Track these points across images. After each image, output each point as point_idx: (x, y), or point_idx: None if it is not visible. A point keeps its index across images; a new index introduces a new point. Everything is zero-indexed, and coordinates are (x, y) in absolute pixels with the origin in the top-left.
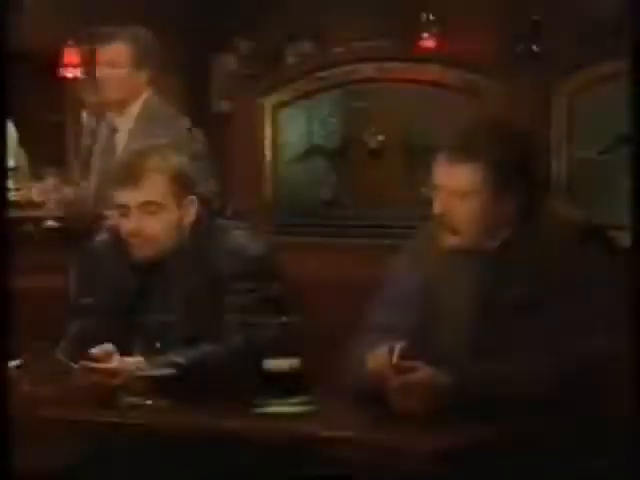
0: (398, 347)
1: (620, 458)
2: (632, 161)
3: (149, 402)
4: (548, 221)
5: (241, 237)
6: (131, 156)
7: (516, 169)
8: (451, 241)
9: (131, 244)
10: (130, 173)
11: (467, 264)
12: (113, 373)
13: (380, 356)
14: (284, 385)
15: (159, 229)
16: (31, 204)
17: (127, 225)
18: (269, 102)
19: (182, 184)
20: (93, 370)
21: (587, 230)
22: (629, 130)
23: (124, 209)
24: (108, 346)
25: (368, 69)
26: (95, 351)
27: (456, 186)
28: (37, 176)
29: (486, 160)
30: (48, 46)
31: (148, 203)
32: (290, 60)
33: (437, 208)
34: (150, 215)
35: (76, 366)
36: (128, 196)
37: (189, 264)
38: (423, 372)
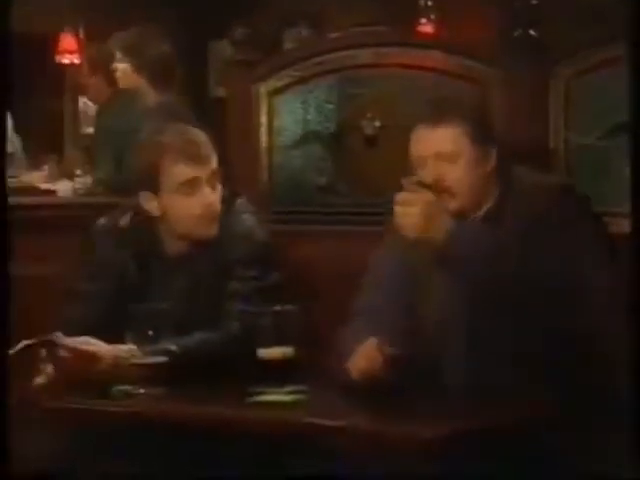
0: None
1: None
2: (631, 147)
3: (142, 391)
4: (524, 187)
5: (250, 221)
6: (187, 133)
7: (488, 130)
8: (450, 206)
9: (198, 224)
10: (194, 147)
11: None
12: (92, 357)
13: (371, 347)
14: (278, 374)
15: (218, 204)
16: (26, 190)
17: (197, 201)
18: (264, 88)
19: (219, 159)
20: (72, 353)
21: (559, 190)
22: (628, 116)
23: (192, 185)
24: (87, 338)
25: (365, 55)
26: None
27: (444, 149)
28: (34, 163)
29: (465, 119)
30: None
31: (213, 173)
32: (287, 46)
33: (430, 176)
34: (215, 187)
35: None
36: (197, 169)
37: (201, 248)
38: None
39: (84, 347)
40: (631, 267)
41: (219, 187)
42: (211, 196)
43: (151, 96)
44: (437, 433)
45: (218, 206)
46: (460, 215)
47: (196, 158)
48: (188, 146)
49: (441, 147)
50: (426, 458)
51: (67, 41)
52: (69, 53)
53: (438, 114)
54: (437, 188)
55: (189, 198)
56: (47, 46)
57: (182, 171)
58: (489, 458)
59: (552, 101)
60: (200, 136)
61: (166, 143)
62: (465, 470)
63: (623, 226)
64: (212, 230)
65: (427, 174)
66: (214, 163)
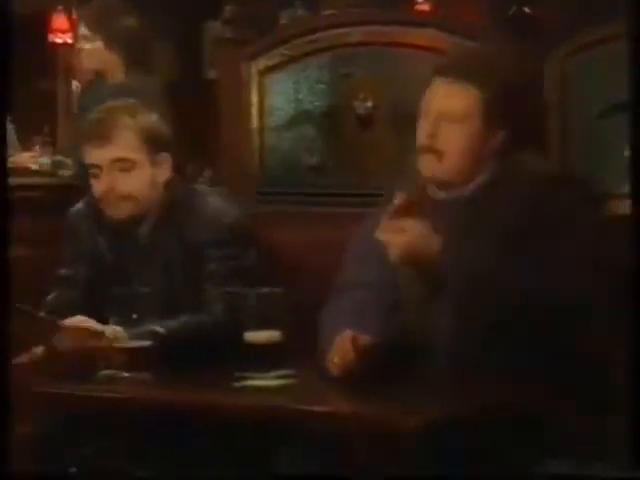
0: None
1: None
2: (630, 127)
3: (126, 375)
4: (520, 170)
5: (217, 203)
6: (100, 114)
7: (507, 103)
8: (435, 170)
9: (105, 205)
10: (99, 130)
11: (440, 213)
12: (94, 334)
13: (346, 342)
14: (264, 358)
15: (132, 187)
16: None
17: (99, 185)
18: (255, 67)
19: (154, 140)
20: (76, 331)
21: (559, 176)
22: (628, 95)
23: (96, 169)
24: (80, 317)
25: (359, 33)
26: (68, 322)
27: (452, 108)
28: (26, 144)
29: (484, 84)
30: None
31: (119, 160)
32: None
33: (426, 131)
34: (122, 172)
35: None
36: (99, 154)
37: (165, 230)
38: (409, 233)
39: (86, 324)
40: (631, 249)
41: (139, 171)
42: (112, 181)
43: (120, 76)
44: (423, 420)
45: (127, 190)
46: (445, 184)
47: (101, 139)
48: (96, 126)
49: (451, 106)
50: (412, 445)
51: (59, 20)
52: (62, 32)
53: (464, 70)
54: (429, 148)
55: (94, 180)
56: (40, 25)
57: (87, 153)
58: (487, 452)
59: (547, 80)
60: (115, 119)
61: (87, 122)
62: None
63: (620, 207)
64: (121, 211)
65: (425, 129)
66: (125, 145)
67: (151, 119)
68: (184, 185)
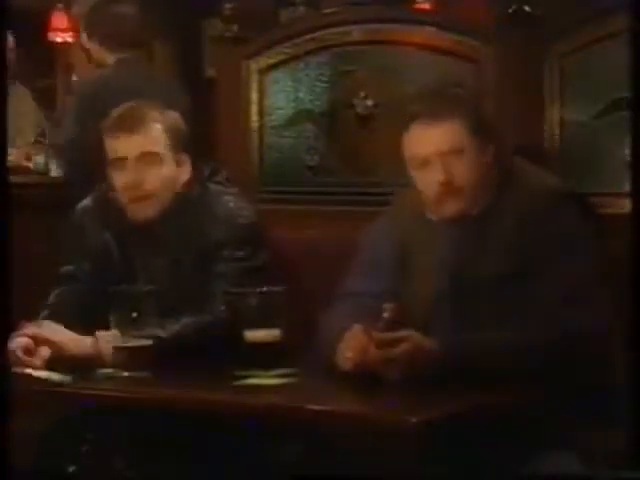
0: (382, 320)
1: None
2: (632, 125)
3: (125, 374)
4: (522, 188)
5: (230, 203)
6: (128, 109)
7: (487, 125)
8: (455, 206)
9: (127, 202)
10: (128, 123)
11: (446, 232)
12: (55, 346)
13: (358, 335)
14: (265, 356)
15: (156, 184)
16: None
17: (124, 177)
18: (255, 65)
19: (178, 138)
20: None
21: (561, 196)
22: (629, 92)
23: (121, 161)
24: (49, 323)
25: (359, 31)
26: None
27: (447, 147)
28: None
29: (465, 113)
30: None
31: (148, 153)
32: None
33: (440, 176)
34: (149, 167)
35: None
36: (126, 146)
37: (177, 230)
38: (407, 344)
39: (47, 335)
40: (630, 248)
41: (165, 168)
42: (139, 175)
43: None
44: (424, 417)
45: (153, 186)
46: (459, 215)
47: (129, 132)
48: (123, 119)
49: (444, 145)
50: (413, 442)
51: (59, 19)
52: (61, 31)
53: (434, 111)
54: (448, 188)
55: (118, 173)
56: (41, 24)
57: (113, 146)
58: (474, 430)
59: (547, 78)
60: (145, 113)
61: (112, 116)
62: (449, 443)
63: (618, 206)
64: (140, 209)
65: (438, 173)
66: (154, 139)
67: (175, 117)
68: (199, 185)
